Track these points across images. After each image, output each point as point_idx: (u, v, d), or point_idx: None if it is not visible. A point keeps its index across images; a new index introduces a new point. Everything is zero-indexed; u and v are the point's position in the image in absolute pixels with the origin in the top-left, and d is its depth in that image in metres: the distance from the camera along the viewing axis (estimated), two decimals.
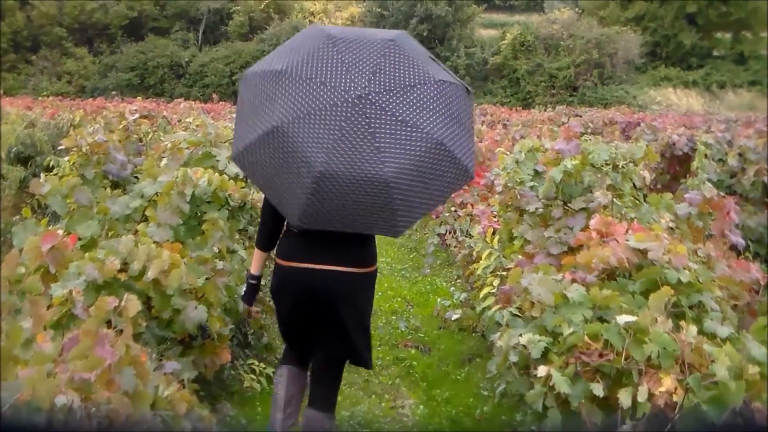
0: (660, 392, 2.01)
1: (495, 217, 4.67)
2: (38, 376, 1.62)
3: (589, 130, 11.92)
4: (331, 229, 2.43)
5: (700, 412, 1.92)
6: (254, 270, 2.85)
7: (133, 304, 2.24)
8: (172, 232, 3.37)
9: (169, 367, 2.48)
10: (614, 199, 3.48)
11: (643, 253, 2.65)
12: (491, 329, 3.67)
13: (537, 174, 4.07)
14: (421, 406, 3.76)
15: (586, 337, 2.25)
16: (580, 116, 15.91)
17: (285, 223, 2.70)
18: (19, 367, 1.71)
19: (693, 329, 2.17)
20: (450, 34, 35.41)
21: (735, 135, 7.69)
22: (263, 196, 2.79)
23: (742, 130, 8.90)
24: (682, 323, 2.22)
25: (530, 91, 34.00)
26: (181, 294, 2.92)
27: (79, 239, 3.26)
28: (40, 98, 21.52)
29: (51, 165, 6.03)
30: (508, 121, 17.49)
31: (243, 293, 2.92)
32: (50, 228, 3.14)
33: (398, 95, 2.34)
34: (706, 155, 6.35)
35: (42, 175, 4.67)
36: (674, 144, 7.43)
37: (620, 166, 3.69)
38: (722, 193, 3.72)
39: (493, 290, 4.00)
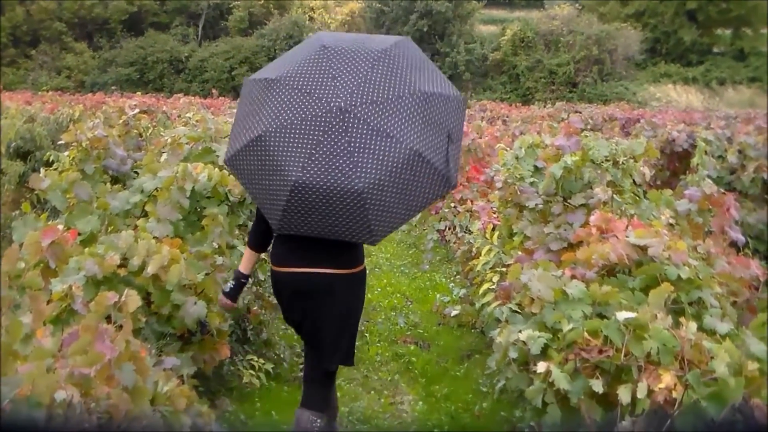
0: (659, 389, 2.02)
1: (495, 213, 4.67)
2: (38, 372, 1.62)
3: (589, 127, 11.94)
4: (309, 235, 2.50)
5: (700, 408, 1.92)
6: (243, 269, 2.87)
7: (132, 299, 2.25)
8: (171, 228, 3.37)
9: (168, 363, 2.48)
10: (614, 196, 3.48)
11: (643, 249, 2.65)
12: (490, 325, 3.68)
13: (537, 170, 4.07)
14: (420, 402, 3.77)
15: (585, 334, 2.25)
16: (580, 112, 15.92)
17: None
18: (18, 362, 1.71)
19: (692, 326, 2.17)
20: (450, 30, 35.39)
21: (735, 131, 7.70)
22: None
23: (742, 127, 8.92)
24: (682, 320, 2.22)
25: (530, 87, 34.04)
26: (181, 289, 2.93)
27: (79, 234, 3.26)
28: (39, 93, 21.50)
29: (51, 160, 6.04)
30: (507, 117, 17.51)
31: (228, 289, 2.90)
32: (50, 223, 3.13)
33: (380, 107, 2.37)
34: (705, 152, 6.34)
35: (42, 170, 4.68)
36: (674, 140, 7.42)
37: (620, 163, 3.69)
38: (722, 190, 3.71)
39: (493, 286, 4.00)
